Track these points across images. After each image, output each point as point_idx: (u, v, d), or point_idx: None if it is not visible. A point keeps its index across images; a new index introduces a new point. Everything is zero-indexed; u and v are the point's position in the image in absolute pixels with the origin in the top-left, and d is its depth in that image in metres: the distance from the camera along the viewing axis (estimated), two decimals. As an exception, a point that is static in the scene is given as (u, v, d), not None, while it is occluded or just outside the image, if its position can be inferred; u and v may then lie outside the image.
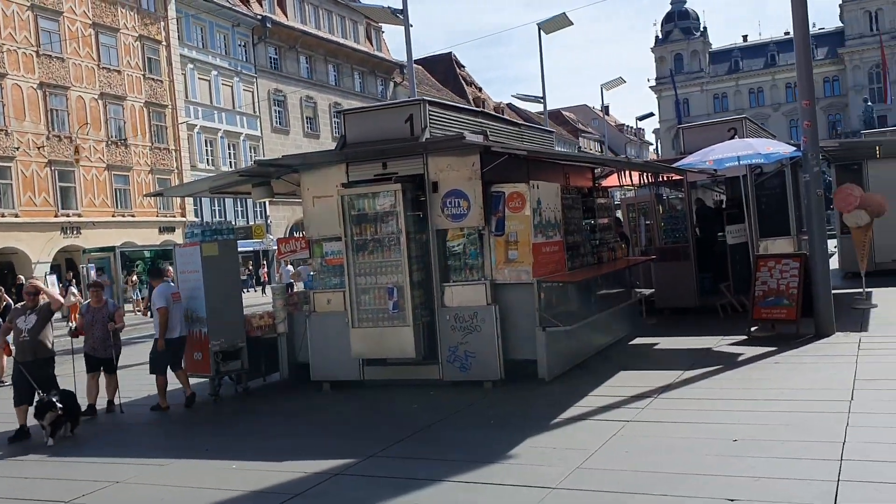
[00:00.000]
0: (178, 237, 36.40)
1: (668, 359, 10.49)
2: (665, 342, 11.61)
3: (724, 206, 14.88)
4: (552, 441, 6.88)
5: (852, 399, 7.24)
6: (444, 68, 68.04)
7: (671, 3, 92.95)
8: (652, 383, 8.64)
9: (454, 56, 70.62)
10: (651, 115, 57.81)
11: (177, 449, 7.88)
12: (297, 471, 6.49)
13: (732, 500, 5.03)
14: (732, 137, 13.24)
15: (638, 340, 11.94)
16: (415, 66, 25.82)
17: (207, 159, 42.36)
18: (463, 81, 70.19)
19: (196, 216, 40.66)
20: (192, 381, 10.13)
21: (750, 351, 10.15)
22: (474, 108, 13.45)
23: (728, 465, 5.78)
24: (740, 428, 6.68)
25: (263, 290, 37.00)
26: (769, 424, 6.73)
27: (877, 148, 16.95)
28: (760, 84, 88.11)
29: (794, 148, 12.12)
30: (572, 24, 26.67)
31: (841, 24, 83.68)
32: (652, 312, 14.01)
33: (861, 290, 13.20)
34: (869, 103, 43.44)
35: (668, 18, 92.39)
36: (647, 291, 13.69)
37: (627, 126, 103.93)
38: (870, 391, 7.50)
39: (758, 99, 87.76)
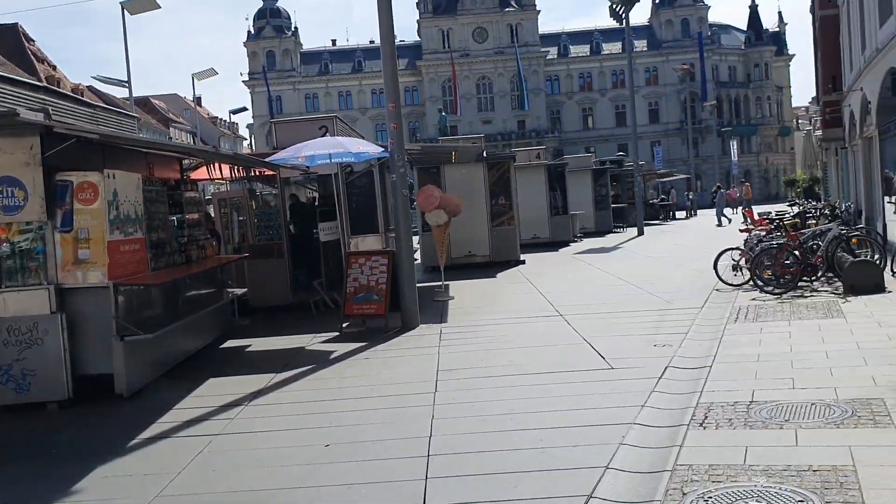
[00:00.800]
0: None
1: (261, 361, 10.10)
2: (258, 343, 11.24)
3: (317, 203, 14.98)
4: (129, 467, 6.03)
5: (436, 390, 7.54)
6: (12, 41, 59.74)
7: (262, 0, 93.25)
8: (243, 389, 8.17)
9: (22, 28, 62.44)
10: (244, 109, 57.65)
11: None
12: None
13: (325, 514, 4.78)
14: (324, 135, 13.33)
15: (230, 343, 11.38)
16: (-33, 31, 22.05)
17: None
18: (33, 57, 62.23)
19: None
20: None
21: (342, 347, 10.21)
22: (35, 83, 11.64)
23: (320, 473, 5.54)
24: (334, 431, 6.52)
25: None
26: (361, 424, 6.67)
27: (453, 153, 18.58)
28: (349, 88, 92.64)
29: (382, 149, 12.57)
30: (160, 7, 25.56)
31: (419, 39, 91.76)
32: (246, 312, 13.52)
33: (441, 283, 14.24)
34: (443, 113, 47.91)
35: (261, 15, 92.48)
36: (241, 291, 13.20)
37: (221, 119, 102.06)
38: (450, 381, 7.89)
39: (346, 102, 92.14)
